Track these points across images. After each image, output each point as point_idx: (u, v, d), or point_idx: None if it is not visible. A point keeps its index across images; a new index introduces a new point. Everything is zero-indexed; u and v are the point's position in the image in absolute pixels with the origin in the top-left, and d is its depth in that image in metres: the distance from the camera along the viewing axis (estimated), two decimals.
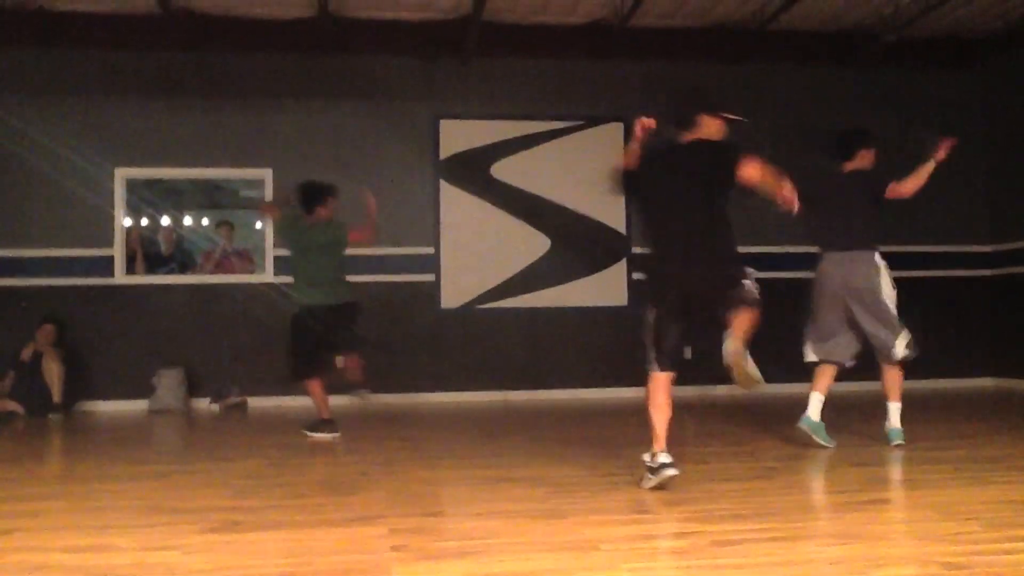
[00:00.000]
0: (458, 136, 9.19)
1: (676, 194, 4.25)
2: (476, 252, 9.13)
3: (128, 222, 8.78)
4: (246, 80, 8.89)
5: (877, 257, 5.35)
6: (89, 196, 8.58)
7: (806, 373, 5.50)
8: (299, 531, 3.41)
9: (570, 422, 7.20)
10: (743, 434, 5.94)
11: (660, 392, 4.19)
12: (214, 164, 8.86)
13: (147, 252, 8.85)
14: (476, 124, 9.20)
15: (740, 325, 4.07)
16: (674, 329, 4.20)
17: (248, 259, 9.00)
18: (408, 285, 8.91)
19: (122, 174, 8.71)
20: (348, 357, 6.39)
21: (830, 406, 5.40)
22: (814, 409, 5.30)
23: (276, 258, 8.79)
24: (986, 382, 9.35)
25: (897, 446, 5.19)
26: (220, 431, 7.12)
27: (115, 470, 5.10)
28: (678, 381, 4.23)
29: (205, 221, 9.14)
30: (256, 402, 8.56)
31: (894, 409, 5.33)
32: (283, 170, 8.81)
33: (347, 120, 8.99)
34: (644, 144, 4.34)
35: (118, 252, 8.67)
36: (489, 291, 9.14)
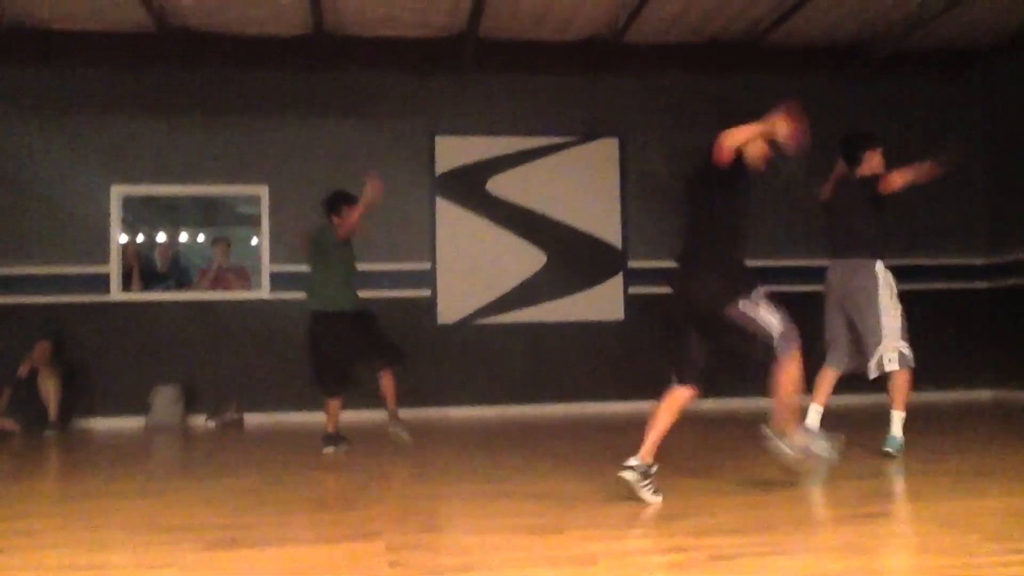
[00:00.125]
0: (454, 152, 9.22)
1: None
2: (473, 267, 9.13)
3: (124, 239, 8.78)
4: (242, 97, 8.92)
5: (878, 266, 5.34)
6: (85, 213, 8.61)
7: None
8: (297, 548, 3.40)
9: (568, 436, 7.19)
10: (746, 447, 5.90)
11: (663, 402, 4.21)
12: (210, 181, 8.89)
13: (143, 269, 8.85)
14: (472, 140, 9.23)
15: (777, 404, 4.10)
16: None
17: (244, 276, 9.00)
18: (405, 301, 8.90)
19: (118, 191, 8.72)
20: (383, 372, 6.31)
21: (831, 417, 5.38)
22: (812, 419, 5.30)
23: (273, 275, 8.80)
24: (984, 394, 9.35)
25: (886, 453, 5.19)
26: (217, 448, 7.10)
27: (111, 487, 5.08)
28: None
29: (201, 238, 9.15)
30: (253, 418, 8.54)
31: (895, 417, 5.33)
32: (279, 187, 8.85)
33: (343, 136, 9.00)
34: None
35: (114, 269, 8.67)
36: (486, 306, 9.14)
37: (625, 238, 9.36)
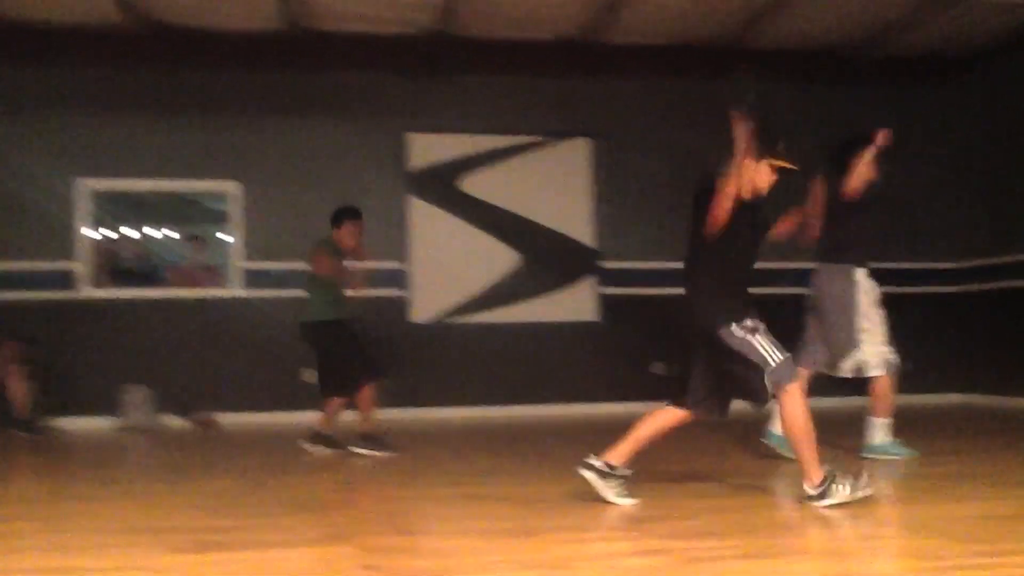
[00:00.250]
0: (428, 150, 9.20)
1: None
2: (446, 267, 9.12)
3: (94, 235, 8.68)
4: (214, 93, 8.85)
5: (854, 272, 5.33)
6: (52, 208, 8.48)
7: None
8: (271, 551, 3.37)
9: (542, 438, 7.20)
10: (727, 450, 5.93)
11: (652, 414, 4.17)
12: (181, 177, 8.81)
13: (115, 266, 8.77)
14: (445, 138, 9.22)
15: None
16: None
17: (218, 274, 8.93)
18: (378, 300, 8.87)
19: (88, 185, 8.62)
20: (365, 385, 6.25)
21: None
22: (776, 424, 5.33)
23: (247, 272, 8.75)
24: (954, 398, 9.47)
25: (863, 458, 5.25)
26: (189, 448, 7.05)
27: (82, 489, 5.03)
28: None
29: (173, 235, 9.08)
30: (226, 419, 8.48)
31: (876, 424, 5.39)
32: (252, 184, 8.81)
33: (316, 134, 8.96)
34: None
35: (84, 266, 8.58)
36: (459, 306, 9.14)
37: (599, 239, 9.38)
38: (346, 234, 6.30)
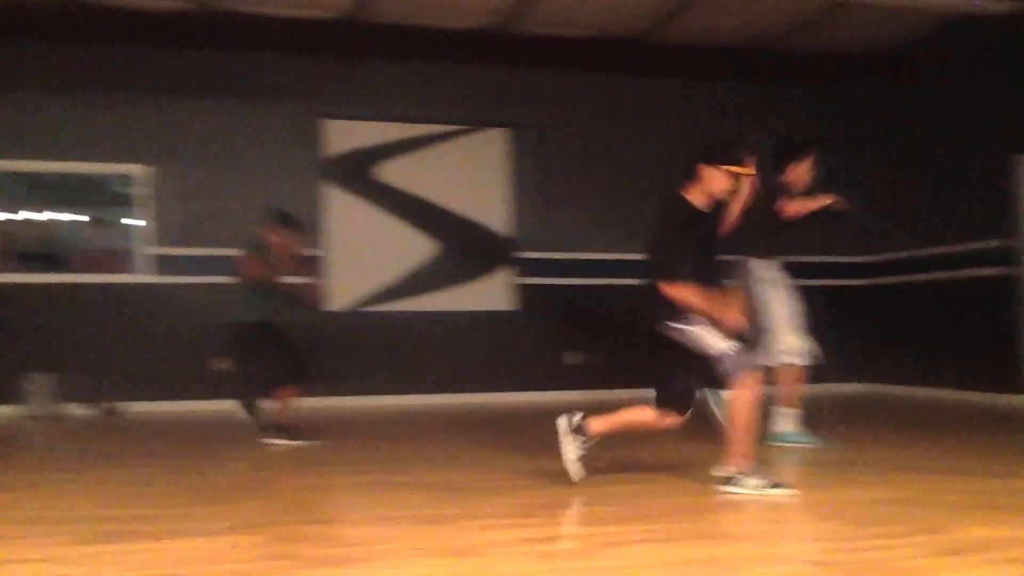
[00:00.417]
0: (343, 137, 9.10)
1: None
2: (363, 255, 9.06)
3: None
4: (124, 73, 8.59)
5: (764, 264, 5.49)
6: None
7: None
8: (177, 541, 3.31)
9: (458, 427, 7.21)
10: (655, 436, 5.96)
11: (634, 407, 4.27)
12: (88, 159, 8.55)
13: (16, 249, 8.47)
14: (362, 125, 9.13)
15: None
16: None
17: (126, 259, 8.70)
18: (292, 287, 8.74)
19: None
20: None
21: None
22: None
23: (156, 257, 8.54)
24: (860, 388, 9.78)
25: (773, 446, 5.39)
26: (94, 437, 6.87)
27: None
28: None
29: (80, 218, 8.82)
30: (135, 407, 8.27)
31: (777, 413, 5.53)
32: (161, 167, 8.60)
33: (230, 117, 8.79)
34: None
35: None
36: (376, 294, 9.08)
37: (517, 229, 9.42)
38: (276, 240, 6.16)
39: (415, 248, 9.22)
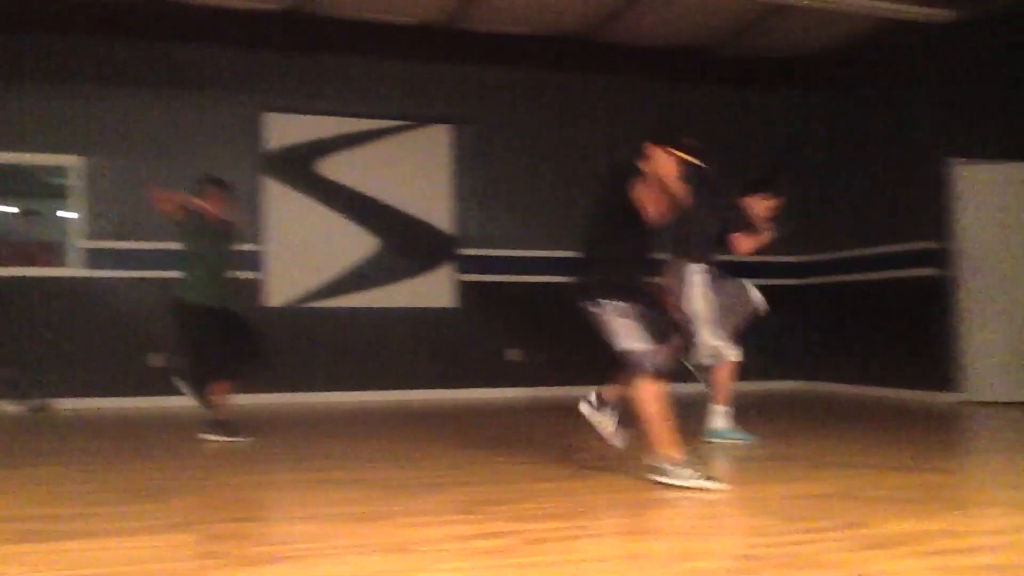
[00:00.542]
0: (284, 131, 9.01)
1: None
2: (302, 250, 8.98)
3: None
4: (55, 62, 8.40)
5: (694, 266, 5.52)
6: None
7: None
8: (105, 540, 3.25)
9: (395, 424, 7.18)
10: (587, 433, 5.99)
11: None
12: (17, 148, 8.33)
13: None
14: (301, 119, 9.05)
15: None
16: None
17: (57, 251, 8.51)
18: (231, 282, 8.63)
19: None
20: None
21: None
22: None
23: (88, 251, 8.37)
24: (796, 385, 9.95)
25: (707, 442, 5.49)
26: (20, 435, 6.71)
27: None
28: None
29: (9, 209, 8.61)
30: (65, 404, 8.10)
31: (711, 410, 5.63)
32: (96, 159, 8.42)
33: (166, 109, 8.65)
34: None
35: None
36: (316, 290, 9.01)
37: (458, 225, 9.41)
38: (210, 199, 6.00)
39: (356, 244, 9.16)
